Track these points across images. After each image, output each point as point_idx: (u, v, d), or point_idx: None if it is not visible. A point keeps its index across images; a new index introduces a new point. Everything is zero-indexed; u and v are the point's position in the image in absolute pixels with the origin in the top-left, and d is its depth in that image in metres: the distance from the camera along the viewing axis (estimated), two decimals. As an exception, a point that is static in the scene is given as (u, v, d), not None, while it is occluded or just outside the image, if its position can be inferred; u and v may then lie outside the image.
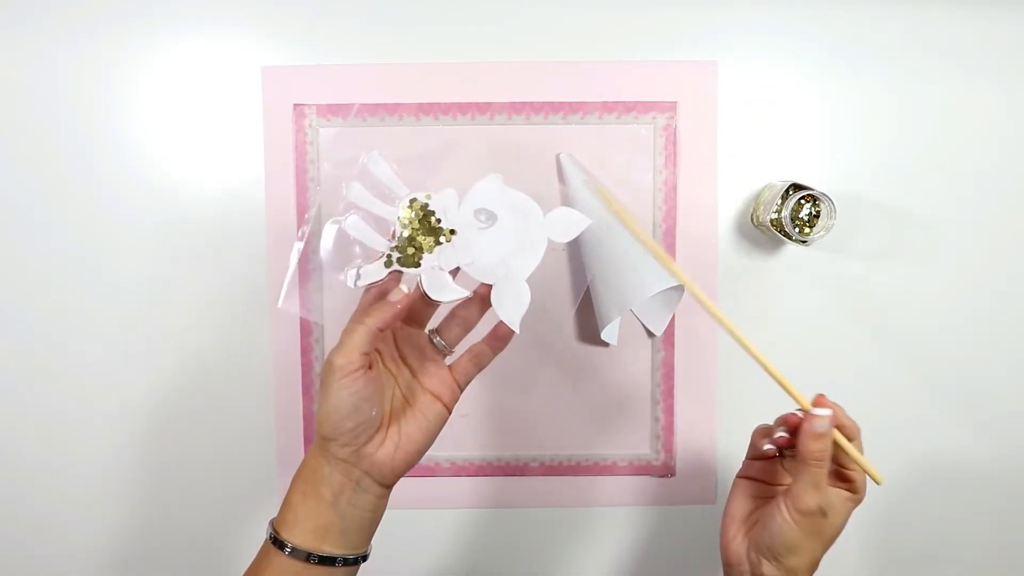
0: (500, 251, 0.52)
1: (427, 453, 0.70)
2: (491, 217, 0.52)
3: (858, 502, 0.52)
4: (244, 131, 0.68)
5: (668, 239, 0.68)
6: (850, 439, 0.52)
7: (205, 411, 0.70)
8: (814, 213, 0.64)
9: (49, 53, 0.67)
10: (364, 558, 0.50)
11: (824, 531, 0.51)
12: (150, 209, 0.68)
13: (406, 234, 0.50)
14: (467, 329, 0.53)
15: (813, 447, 0.50)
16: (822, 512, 0.50)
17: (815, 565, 0.52)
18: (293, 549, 0.47)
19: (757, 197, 0.68)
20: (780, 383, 0.52)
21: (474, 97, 0.68)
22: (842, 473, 0.52)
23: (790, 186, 0.64)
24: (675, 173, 0.68)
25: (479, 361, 0.53)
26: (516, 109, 0.68)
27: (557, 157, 0.67)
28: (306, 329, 0.69)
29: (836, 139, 0.69)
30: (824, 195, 0.63)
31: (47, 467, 0.70)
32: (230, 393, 0.69)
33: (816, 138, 0.69)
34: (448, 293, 0.50)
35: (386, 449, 0.49)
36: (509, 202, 0.52)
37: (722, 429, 0.71)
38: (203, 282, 0.69)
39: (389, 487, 0.50)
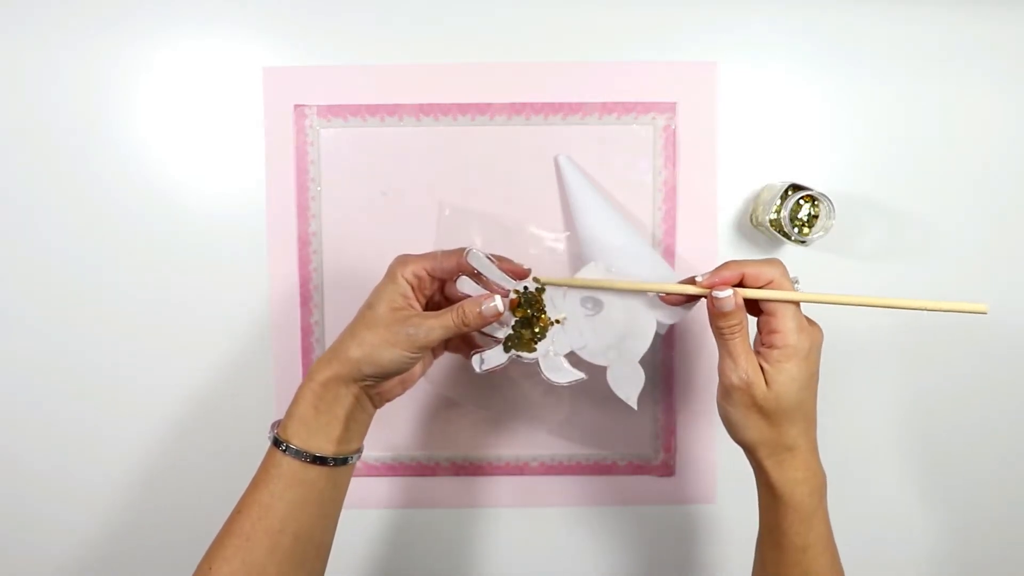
0: (610, 335, 0.56)
1: (427, 453, 0.72)
2: (597, 305, 0.56)
3: (794, 356, 0.50)
4: (245, 132, 0.68)
5: (668, 239, 0.69)
6: (767, 282, 0.51)
7: (205, 410, 0.70)
8: (813, 213, 0.64)
9: (49, 53, 0.67)
10: (360, 453, 0.56)
11: (761, 401, 0.50)
12: (150, 209, 0.68)
13: (515, 320, 0.54)
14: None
15: (721, 323, 0.51)
16: (745, 383, 0.50)
17: (780, 440, 0.51)
18: (315, 457, 0.52)
19: (756, 197, 0.68)
20: (668, 290, 0.54)
21: (474, 97, 0.68)
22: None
23: (789, 186, 0.64)
24: (675, 173, 0.68)
25: (473, 345, 0.59)
26: (516, 109, 0.68)
27: (556, 159, 0.67)
28: (307, 329, 0.69)
29: (836, 139, 0.69)
30: (823, 195, 0.63)
31: (46, 467, 0.70)
32: (230, 393, 0.70)
33: (816, 138, 0.69)
34: (564, 376, 0.55)
35: (394, 382, 0.56)
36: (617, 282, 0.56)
37: (722, 429, 0.70)
38: (203, 282, 0.69)
39: (378, 408, 0.57)
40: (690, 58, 0.68)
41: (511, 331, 0.54)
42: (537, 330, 0.54)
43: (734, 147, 0.68)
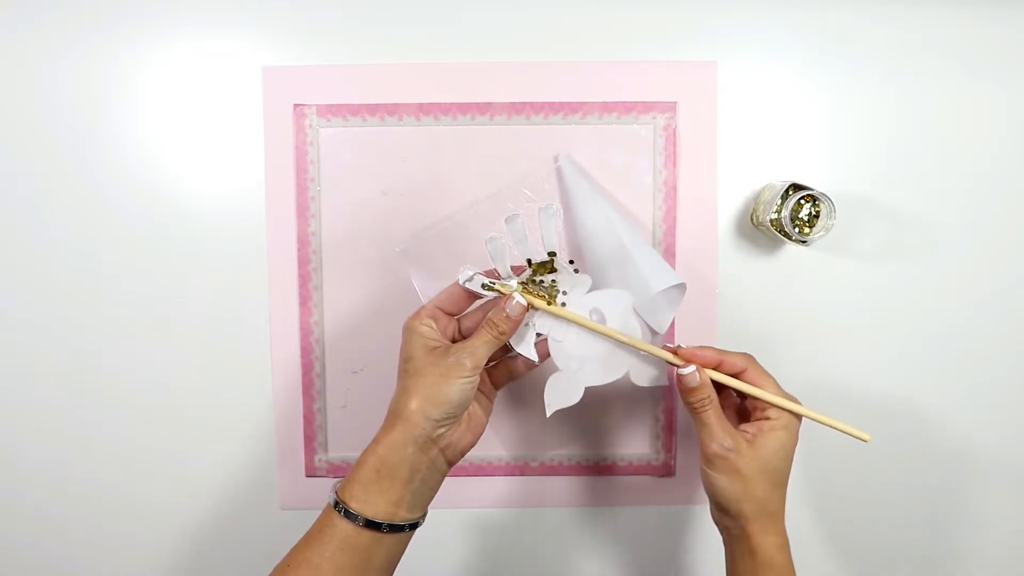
0: (586, 351, 0.57)
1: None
2: (601, 321, 0.57)
3: (786, 427, 0.55)
4: (244, 131, 0.68)
5: (668, 239, 0.69)
6: (741, 371, 0.56)
7: (205, 411, 0.70)
8: (814, 213, 0.64)
9: (49, 54, 0.67)
10: (423, 520, 0.55)
11: (744, 468, 0.53)
12: (150, 209, 0.68)
13: (526, 276, 0.57)
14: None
15: (690, 399, 0.56)
16: (726, 450, 0.54)
17: (765, 506, 0.54)
18: (368, 521, 0.51)
19: (757, 197, 0.68)
20: (645, 349, 0.57)
21: (474, 97, 0.68)
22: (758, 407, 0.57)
23: (790, 186, 0.64)
24: (675, 173, 0.68)
25: (512, 375, 0.60)
26: (516, 109, 0.68)
27: (556, 159, 0.67)
28: (306, 329, 0.69)
29: (836, 139, 0.69)
30: (824, 195, 0.63)
31: (47, 467, 0.70)
32: (230, 393, 0.70)
33: (816, 138, 0.69)
34: (523, 347, 0.56)
35: (461, 430, 0.55)
36: (626, 321, 0.57)
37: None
38: (203, 281, 0.69)
39: (453, 465, 0.56)
40: (690, 58, 0.68)
41: (521, 280, 0.56)
42: (545, 283, 0.56)
43: (734, 147, 0.68)
